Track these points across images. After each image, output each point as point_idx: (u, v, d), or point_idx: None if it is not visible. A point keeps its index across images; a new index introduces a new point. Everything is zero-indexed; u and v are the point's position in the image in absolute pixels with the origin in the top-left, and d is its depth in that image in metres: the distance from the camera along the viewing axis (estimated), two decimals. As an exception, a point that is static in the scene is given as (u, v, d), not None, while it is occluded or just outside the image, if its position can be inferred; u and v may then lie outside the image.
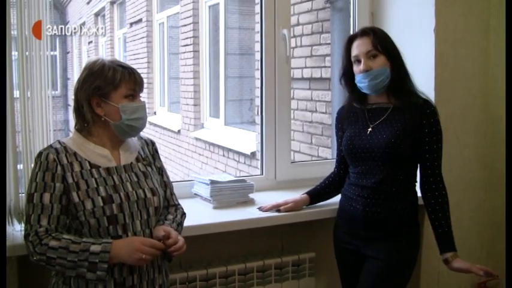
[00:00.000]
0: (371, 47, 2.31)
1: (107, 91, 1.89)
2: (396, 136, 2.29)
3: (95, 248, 1.77)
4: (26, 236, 1.82)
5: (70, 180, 1.84)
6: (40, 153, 1.87)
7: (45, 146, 2.20)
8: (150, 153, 2.10)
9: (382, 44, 2.31)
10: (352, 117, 2.47)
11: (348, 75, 2.41)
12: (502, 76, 2.74)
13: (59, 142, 1.91)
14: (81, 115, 1.91)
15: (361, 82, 2.34)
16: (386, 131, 2.32)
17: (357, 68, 2.35)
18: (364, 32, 2.36)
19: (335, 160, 2.64)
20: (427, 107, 2.32)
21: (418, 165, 2.37)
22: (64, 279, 1.87)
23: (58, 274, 1.89)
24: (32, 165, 2.16)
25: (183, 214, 2.14)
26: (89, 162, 1.89)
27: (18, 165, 2.21)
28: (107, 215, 1.85)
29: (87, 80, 1.89)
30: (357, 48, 2.35)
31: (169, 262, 2.00)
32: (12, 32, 2.16)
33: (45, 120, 2.24)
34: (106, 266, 1.77)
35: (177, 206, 2.15)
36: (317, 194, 2.63)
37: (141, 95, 2.00)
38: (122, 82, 1.90)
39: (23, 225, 2.19)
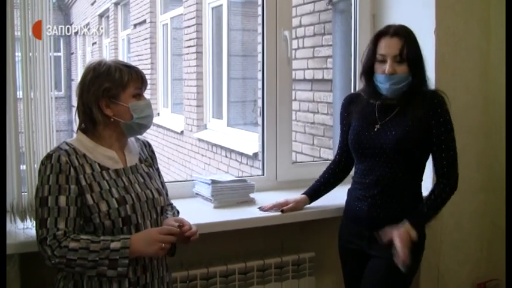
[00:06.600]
0: (399, 52, 2.25)
1: (116, 92, 1.89)
2: (406, 132, 2.26)
3: (114, 245, 1.77)
4: (43, 240, 1.76)
5: (83, 182, 1.83)
6: (49, 155, 1.83)
7: (48, 146, 2.23)
8: (149, 155, 2.11)
9: (409, 53, 2.26)
10: (362, 110, 2.42)
11: (369, 72, 2.34)
12: (503, 77, 2.74)
13: (67, 143, 1.88)
14: (89, 117, 1.90)
15: (382, 83, 2.29)
16: (396, 127, 2.29)
17: (380, 68, 2.29)
18: (396, 33, 2.28)
19: (337, 147, 2.61)
20: (435, 97, 2.28)
21: (430, 161, 2.34)
22: (75, 282, 1.84)
23: (67, 277, 1.86)
24: (36, 166, 2.19)
25: (178, 212, 2.19)
26: (99, 164, 1.89)
27: (21, 166, 2.22)
28: (121, 216, 1.85)
29: (94, 82, 1.87)
30: (385, 48, 2.28)
31: (171, 256, 2.02)
32: (15, 33, 2.17)
33: (48, 121, 2.24)
34: (127, 261, 1.77)
35: (172, 205, 2.20)
36: (315, 193, 2.62)
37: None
38: (130, 82, 1.90)
39: (25, 223, 2.22)
